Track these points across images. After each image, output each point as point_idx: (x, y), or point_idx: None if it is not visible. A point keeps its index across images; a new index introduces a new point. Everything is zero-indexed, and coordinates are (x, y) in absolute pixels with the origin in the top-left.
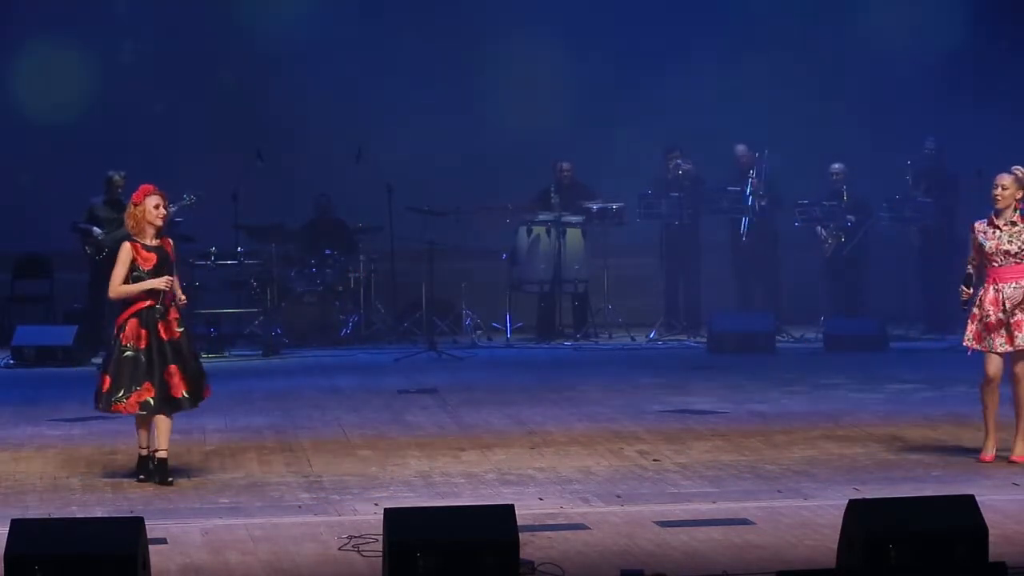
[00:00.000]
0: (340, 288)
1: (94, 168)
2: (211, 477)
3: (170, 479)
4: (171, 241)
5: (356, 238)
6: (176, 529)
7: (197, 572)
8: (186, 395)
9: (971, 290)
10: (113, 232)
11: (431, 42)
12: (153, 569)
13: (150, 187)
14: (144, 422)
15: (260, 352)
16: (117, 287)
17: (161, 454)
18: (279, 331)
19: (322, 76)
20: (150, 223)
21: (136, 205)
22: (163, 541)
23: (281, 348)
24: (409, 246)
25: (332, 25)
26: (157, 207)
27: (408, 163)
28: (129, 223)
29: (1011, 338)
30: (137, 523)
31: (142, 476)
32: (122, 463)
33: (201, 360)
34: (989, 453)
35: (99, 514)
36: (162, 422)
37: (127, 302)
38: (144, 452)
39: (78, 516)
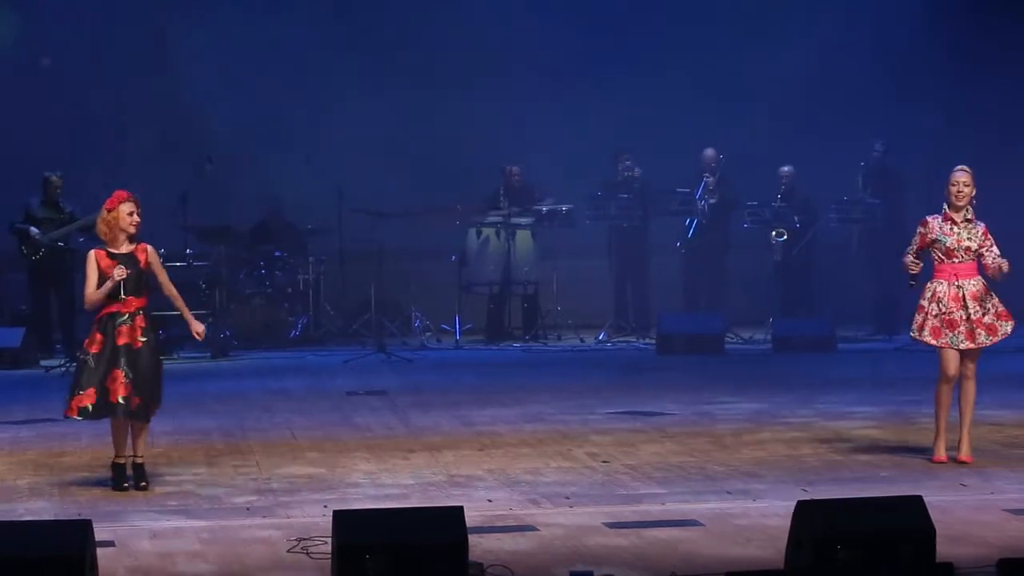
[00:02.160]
0: (289, 290)
1: (38, 168)
2: (159, 479)
3: (144, 484)
4: (148, 248)
5: (305, 240)
6: (124, 532)
7: (145, 574)
8: (122, 401)
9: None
10: (50, 232)
11: (380, 45)
12: (101, 572)
13: (124, 193)
14: (119, 430)
15: (209, 354)
16: (89, 296)
17: (138, 460)
18: (228, 333)
19: (271, 78)
20: (123, 230)
21: (109, 211)
22: (111, 544)
23: (230, 350)
24: (358, 248)
25: (281, 28)
26: (131, 214)
27: (357, 165)
28: (102, 229)
29: (972, 335)
30: (85, 526)
31: (126, 484)
32: (69, 465)
33: (159, 379)
34: (941, 454)
35: (46, 517)
36: (136, 427)
37: (96, 309)
38: (121, 460)
39: (25, 519)
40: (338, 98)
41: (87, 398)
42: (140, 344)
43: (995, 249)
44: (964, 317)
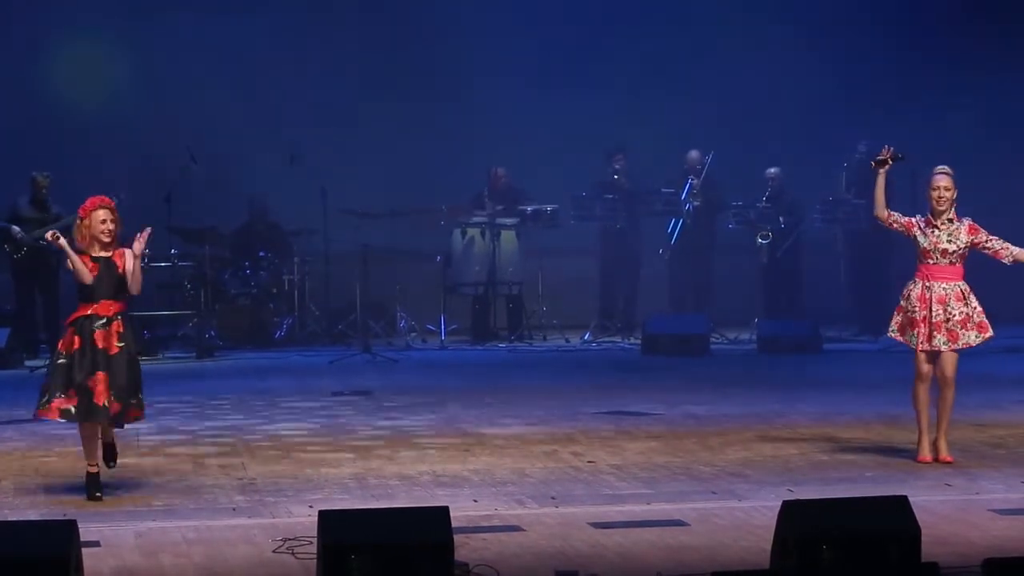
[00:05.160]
0: (274, 290)
1: (24, 168)
2: (144, 480)
3: (112, 464)
4: (127, 252)
5: (290, 240)
6: (109, 532)
7: (130, 575)
8: (105, 404)
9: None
10: (33, 232)
11: (365, 45)
12: (86, 572)
13: (98, 199)
14: (91, 437)
15: (194, 354)
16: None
17: (107, 440)
18: (213, 333)
19: (256, 78)
20: (95, 237)
21: (82, 218)
22: (96, 544)
23: (215, 350)
24: (343, 248)
25: (266, 29)
26: (104, 222)
27: (342, 166)
28: (77, 236)
29: (929, 337)
30: (70, 526)
31: (98, 494)
32: (55, 466)
33: (139, 386)
34: (925, 453)
35: (31, 517)
36: (105, 428)
37: (72, 310)
38: (94, 469)
39: (10, 519)
40: (323, 98)
41: (68, 400)
42: (116, 350)
43: (995, 238)
44: (924, 318)
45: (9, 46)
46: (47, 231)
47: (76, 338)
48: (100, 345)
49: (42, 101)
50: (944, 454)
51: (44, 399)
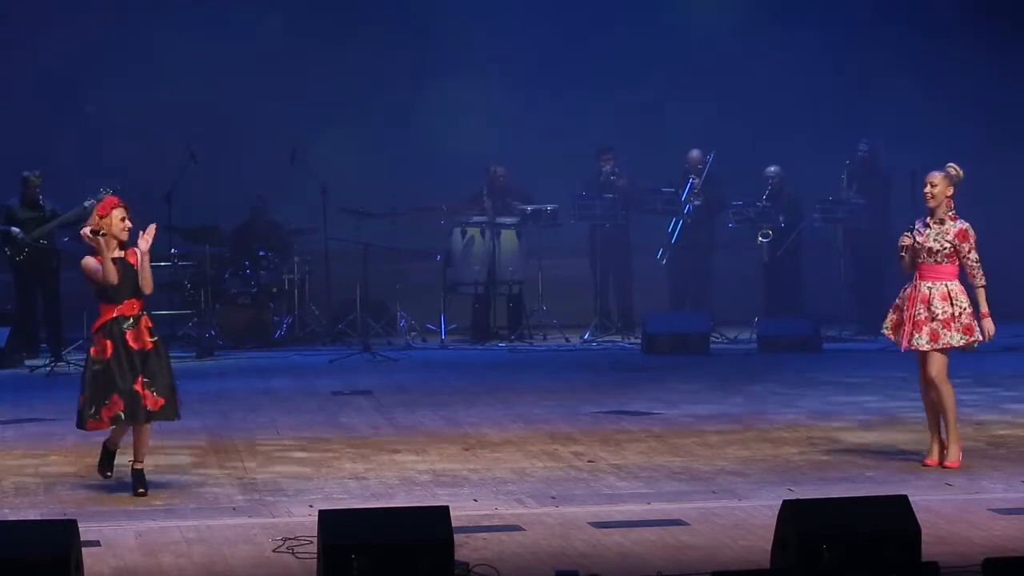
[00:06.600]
0: (274, 290)
1: (24, 168)
2: (145, 479)
3: (142, 490)
4: (136, 250)
5: (290, 239)
6: (109, 531)
7: (131, 574)
8: (149, 407)
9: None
10: (32, 232)
11: (364, 44)
12: (86, 572)
13: (115, 199)
14: (120, 429)
15: (194, 354)
16: (95, 267)
17: (137, 465)
18: (213, 333)
19: (255, 77)
20: (115, 236)
21: (102, 218)
22: (96, 543)
23: (215, 350)
24: (343, 247)
25: (266, 28)
26: (123, 220)
27: (342, 164)
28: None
29: (909, 336)
30: (70, 525)
31: (109, 473)
32: (55, 465)
33: (173, 374)
34: (933, 457)
35: (32, 516)
36: (140, 431)
37: (96, 315)
38: (112, 448)
39: (10, 519)
40: (323, 97)
41: (115, 406)
42: (151, 345)
43: (973, 255)
44: (909, 317)
45: (11, 46)
46: (55, 225)
47: (108, 342)
48: (135, 346)
49: (38, 99)
50: (952, 458)
51: (91, 411)
